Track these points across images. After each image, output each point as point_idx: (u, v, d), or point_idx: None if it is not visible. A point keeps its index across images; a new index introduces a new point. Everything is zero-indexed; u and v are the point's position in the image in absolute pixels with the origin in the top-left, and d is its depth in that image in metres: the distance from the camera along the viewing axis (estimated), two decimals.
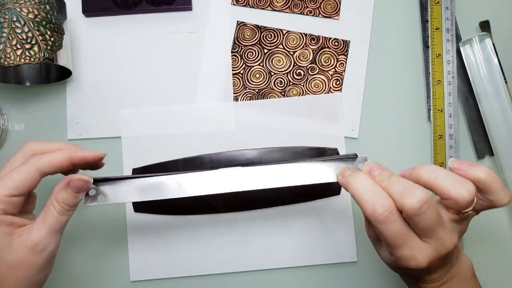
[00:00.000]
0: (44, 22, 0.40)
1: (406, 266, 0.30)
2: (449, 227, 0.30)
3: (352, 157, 0.34)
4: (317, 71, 0.47)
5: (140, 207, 0.45)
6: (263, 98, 0.47)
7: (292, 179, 0.34)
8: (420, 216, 0.28)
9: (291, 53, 0.47)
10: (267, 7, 0.48)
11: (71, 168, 0.34)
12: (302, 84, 0.47)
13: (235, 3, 0.48)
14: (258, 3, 0.48)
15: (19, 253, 0.31)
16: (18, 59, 0.39)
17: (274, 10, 0.48)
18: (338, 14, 0.48)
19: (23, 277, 0.31)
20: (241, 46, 0.47)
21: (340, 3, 0.48)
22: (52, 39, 0.41)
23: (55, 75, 0.46)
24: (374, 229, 0.31)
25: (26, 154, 0.33)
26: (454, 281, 0.33)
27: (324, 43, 0.48)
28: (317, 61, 0.47)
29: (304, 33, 0.48)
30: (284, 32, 0.48)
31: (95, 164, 0.36)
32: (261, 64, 0.47)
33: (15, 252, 0.31)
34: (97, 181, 0.34)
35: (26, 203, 0.34)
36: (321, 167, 0.34)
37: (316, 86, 0.47)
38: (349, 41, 0.48)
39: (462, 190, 0.28)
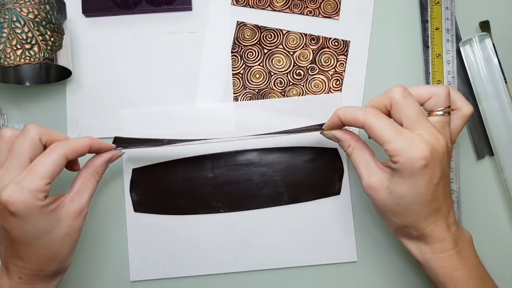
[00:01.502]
0: (44, 22, 0.40)
1: (410, 160, 0.31)
2: (436, 126, 0.34)
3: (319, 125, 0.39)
4: (317, 71, 0.47)
5: (140, 207, 0.45)
6: (263, 98, 0.47)
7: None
8: (407, 98, 0.33)
9: (291, 53, 0.47)
10: (267, 7, 0.48)
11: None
12: (302, 84, 0.47)
13: (235, 3, 0.48)
14: (258, 3, 0.48)
15: (67, 222, 0.35)
16: (18, 59, 0.39)
17: (274, 10, 0.48)
18: (338, 14, 0.48)
19: (71, 241, 0.36)
20: (241, 46, 0.47)
21: (340, 3, 0.48)
22: (52, 39, 0.41)
23: (55, 75, 0.46)
24: (371, 135, 0.34)
25: (35, 140, 0.34)
26: (463, 246, 0.35)
27: (324, 43, 0.48)
28: (317, 61, 0.47)
29: (304, 33, 0.48)
30: (284, 32, 0.48)
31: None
32: (261, 64, 0.47)
33: (64, 222, 0.35)
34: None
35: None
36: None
37: (316, 86, 0.47)
38: (349, 41, 0.48)
39: (438, 86, 0.35)
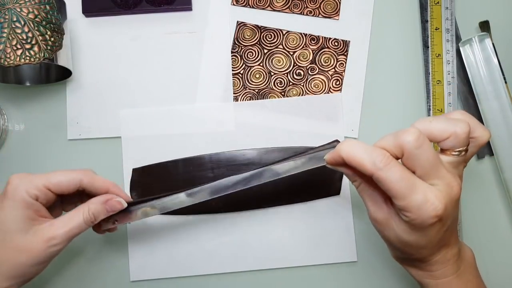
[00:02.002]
0: (44, 22, 0.40)
1: (422, 218, 0.29)
2: (449, 169, 0.30)
3: (334, 142, 0.34)
4: (317, 71, 0.47)
5: None
6: (263, 98, 0.47)
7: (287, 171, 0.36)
8: (419, 149, 0.28)
9: (291, 53, 0.47)
10: (267, 7, 0.48)
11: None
12: (302, 84, 0.47)
13: (235, 3, 0.48)
14: (258, 3, 0.48)
15: (32, 240, 0.33)
16: (18, 59, 0.39)
17: (274, 10, 0.48)
18: (338, 14, 0.48)
19: (22, 263, 0.33)
20: (241, 46, 0.48)
21: (340, 3, 0.48)
22: (52, 39, 0.41)
23: (55, 75, 0.46)
24: (379, 187, 0.30)
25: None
26: (464, 269, 0.34)
27: (324, 43, 0.48)
28: (317, 61, 0.47)
29: (304, 33, 0.48)
30: (284, 32, 0.48)
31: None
32: (261, 64, 0.47)
33: (29, 237, 0.33)
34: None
35: (54, 207, 0.37)
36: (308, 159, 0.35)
37: (316, 86, 0.47)
38: (349, 41, 0.48)
39: (457, 124, 0.29)
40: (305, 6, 0.48)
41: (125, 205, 0.36)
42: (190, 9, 0.47)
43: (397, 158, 0.30)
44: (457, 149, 0.30)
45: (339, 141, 0.33)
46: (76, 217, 0.34)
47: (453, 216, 0.31)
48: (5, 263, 0.33)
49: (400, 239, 0.31)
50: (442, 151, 0.30)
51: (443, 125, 0.29)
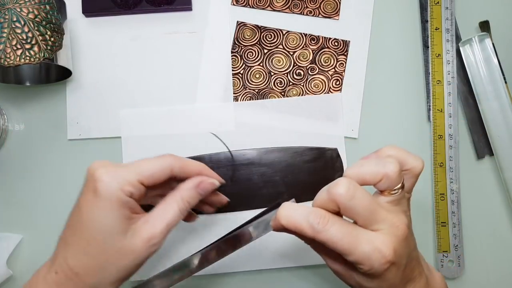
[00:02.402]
0: (44, 22, 0.40)
1: (374, 267, 0.28)
2: (391, 209, 0.29)
3: (277, 204, 0.33)
4: (317, 71, 0.47)
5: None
6: (263, 98, 0.47)
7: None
8: (354, 199, 0.28)
9: (291, 53, 0.47)
10: (267, 7, 0.48)
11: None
12: (302, 84, 0.47)
13: (235, 3, 0.48)
14: (258, 3, 0.48)
15: (132, 241, 0.30)
16: (18, 59, 0.39)
17: (274, 10, 0.48)
18: (338, 14, 0.48)
19: (126, 266, 0.31)
20: (241, 46, 0.48)
21: (340, 3, 0.48)
22: (52, 39, 0.41)
23: (55, 75, 0.46)
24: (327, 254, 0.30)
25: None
26: None
27: (324, 43, 0.48)
28: (317, 61, 0.47)
29: (304, 33, 0.48)
30: (284, 32, 0.48)
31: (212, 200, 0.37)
32: (261, 64, 0.47)
33: (129, 239, 0.30)
34: None
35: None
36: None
37: (316, 86, 0.47)
38: (349, 41, 0.48)
39: (387, 165, 0.28)
40: (305, 6, 0.48)
41: (218, 184, 0.34)
42: (190, 9, 0.47)
43: (337, 212, 0.29)
44: (393, 189, 0.29)
45: (280, 203, 0.32)
46: (170, 209, 0.32)
47: (407, 253, 0.30)
48: (108, 267, 0.31)
49: (363, 286, 0.31)
50: (380, 192, 0.30)
51: (373, 168, 0.29)
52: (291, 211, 0.30)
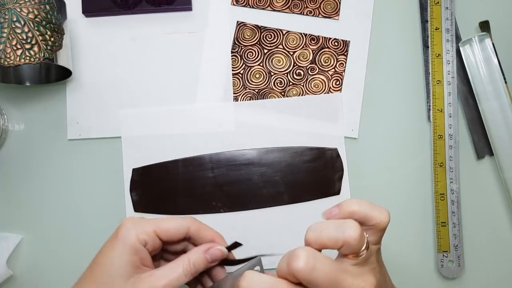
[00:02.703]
0: (44, 22, 0.40)
1: None
2: (358, 271, 0.28)
3: (254, 259, 0.33)
4: (317, 71, 0.47)
5: (140, 207, 0.45)
6: (263, 98, 0.47)
7: None
8: (314, 272, 0.26)
9: (291, 53, 0.47)
10: (267, 7, 0.48)
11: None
12: (302, 84, 0.47)
13: (235, 3, 0.48)
14: (258, 3, 0.48)
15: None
16: (18, 59, 0.39)
17: (274, 10, 0.48)
18: (338, 14, 0.48)
19: None
20: (241, 46, 0.48)
21: (340, 3, 0.48)
22: (52, 39, 0.41)
23: (55, 75, 0.46)
24: None
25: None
26: None
27: (324, 43, 0.48)
28: (317, 61, 0.47)
29: (304, 33, 0.48)
30: (284, 32, 0.48)
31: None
32: (261, 64, 0.47)
33: (130, 285, 0.31)
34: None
35: (156, 257, 0.35)
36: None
37: (316, 86, 0.47)
38: (349, 41, 0.48)
39: (347, 231, 0.27)
40: (305, 6, 0.48)
41: (226, 252, 0.34)
42: (190, 9, 0.47)
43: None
44: (356, 253, 0.28)
45: (259, 258, 0.33)
46: (176, 269, 0.32)
47: None
48: None
49: None
50: (343, 255, 0.28)
51: (332, 234, 0.28)
52: (253, 281, 0.28)
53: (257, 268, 0.33)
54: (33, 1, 0.40)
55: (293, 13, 0.48)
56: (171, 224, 0.33)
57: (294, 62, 0.47)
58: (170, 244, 0.34)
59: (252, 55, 0.47)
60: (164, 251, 0.35)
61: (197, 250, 0.33)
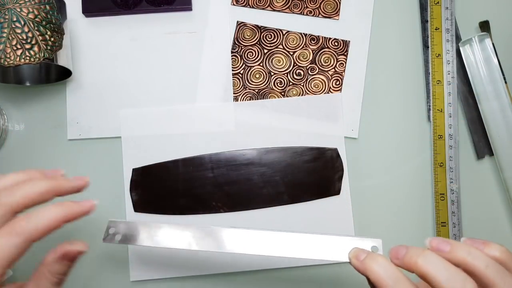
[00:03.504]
0: (44, 22, 0.40)
1: None
2: None
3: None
4: (317, 71, 0.47)
5: (140, 207, 0.45)
6: (263, 98, 0.47)
7: (305, 252, 0.32)
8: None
9: (291, 53, 0.47)
10: (267, 7, 0.48)
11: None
12: (302, 84, 0.47)
13: (235, 3, 0.48)
14: (258, 3, 0.48)
15: None
16: (18, 59, 0.39)
17: (274, 10, 0.48)
18: (338, 14, 0.48)
19: None
20: (241, 46, 0.48)
21: (340, 3, 0.48)
22: (52, 39, 0.41)
23: (55, 75, 0.46)
24: None
25: (5, 208, 0.27)
26: None
27: (324, 43, 0.48)
28: (317, 61, 0.47)
29: (304, 33, 0.48)
30: (284, 32, 0.48)
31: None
32: (261, 64, 0.47)
33: None
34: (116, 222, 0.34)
35: None
36: (335, 242, 0.32)
37: (316, 86, 0.47)
38: (349, 41, 0.48)
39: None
40: (305, 6, 0.48)
41: (86, 250, 0.29)
42: (190, 9, 0.47)
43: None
44: None
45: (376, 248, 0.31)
46: (42, 284, 0.28)
47: None
48: None
49: None
50: None
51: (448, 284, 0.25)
52: (381, 270, 0.26)
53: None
54: (33, 1, 0.40)
55: (293, 13, 0.48)
56: (7, 252, 0.26)
57: (294, 62, 0.47)
58: None
59: (252, 55, 0.47)
60: None
61: (53, 259, 0.28)
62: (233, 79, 0.47)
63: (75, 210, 0.29)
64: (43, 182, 0.29)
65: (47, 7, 0.41)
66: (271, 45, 0.48)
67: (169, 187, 0.45)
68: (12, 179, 0.29)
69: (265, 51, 0.47)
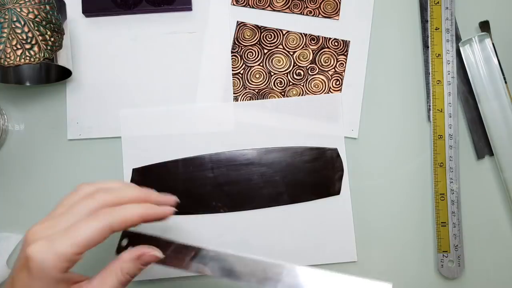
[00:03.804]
0: (44, 22, 0.40)
1: None
2: None
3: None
4: (317, 71, 0.47)
5: None
6: (263, 98, 0.47)
7: None
8: None
9: (291, 53, 0.47)
10: (267, 7, 0.48)
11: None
12: (302, 84, 0.47)
13: (235, 3, 0.48)
14: (258, 3, 0.48)
15: None
16: (18, 59, 0.39)
17: (274, 10, 0.48)
18: (338, 14, 0.48)
19: None
20: (241, 46, 0.48)
21: (340, 3, 0.48)
22: (52, 39, 0.41)
23: (55, 75, 0.46)
24: None
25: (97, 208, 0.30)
26: None
27: (324, 43, 0.48)
28: (317, 61, 0.47)
29: (304, 33, 0.48)
30: (284, 32, 0.48)
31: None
32: (261, 64, 0.47)
33: None
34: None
35: None
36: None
37: (316, 86, 0.47)
38: (349, 41, 0.48)
39: None
40: (305, 6, 0.48)
41: (161, 256, 0.32)
42: (190, 9, 0.47)
43: None
44: None
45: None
46: (109, 280, 0.30)
47: None
48: None
49: None
50: None
51: None
52: None
53: None
54: (33, 1, 0.40)
55: (293, 13, 0.48)
56: (90, 233, 0.29)
57: (294, 62, 0.47)
58: None
59: (252, 55, 0.47)
60: None
61: (129, 257, 0.31)
62: (233, 79, 0.47)
63: (155, 212, 0.32)
64: (137, 208, 0.31)
65: (47, 7, 0.41)
66: (271, 45, 0.48)
67: (169, 187, 0.45)
68: (131, 192, 0.32)
69: (265, 51, 0.47)
